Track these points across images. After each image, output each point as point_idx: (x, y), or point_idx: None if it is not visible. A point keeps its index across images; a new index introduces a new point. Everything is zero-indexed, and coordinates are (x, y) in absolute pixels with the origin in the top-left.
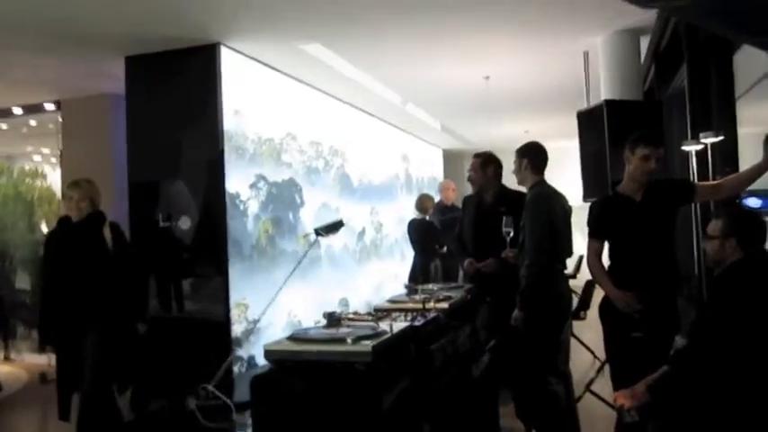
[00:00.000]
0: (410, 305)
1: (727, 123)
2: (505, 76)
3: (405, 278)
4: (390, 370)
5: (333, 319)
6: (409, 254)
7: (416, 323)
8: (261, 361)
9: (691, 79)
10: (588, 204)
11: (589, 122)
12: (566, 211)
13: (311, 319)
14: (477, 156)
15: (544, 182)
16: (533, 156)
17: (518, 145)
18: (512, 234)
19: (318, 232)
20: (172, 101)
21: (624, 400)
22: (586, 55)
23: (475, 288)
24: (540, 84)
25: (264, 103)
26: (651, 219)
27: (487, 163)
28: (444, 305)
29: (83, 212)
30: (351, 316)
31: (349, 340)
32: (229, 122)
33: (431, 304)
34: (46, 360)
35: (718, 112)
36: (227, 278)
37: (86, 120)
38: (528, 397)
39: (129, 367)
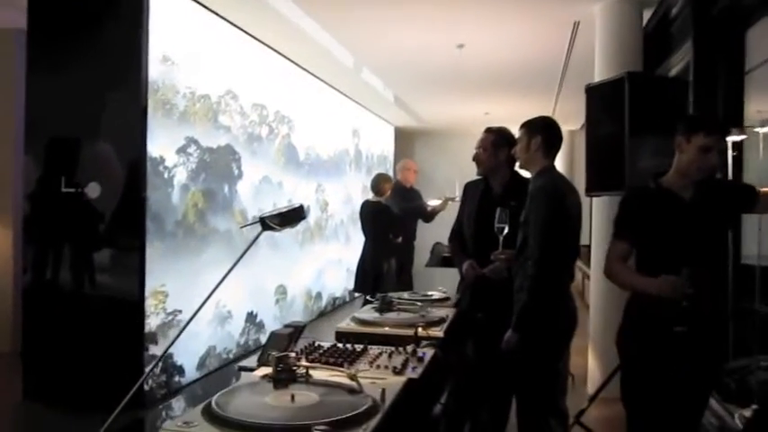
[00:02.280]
0: (388, 330)
1: (733, 112)
2: (481, 45)
3: (350, 264)
4: None
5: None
6: (355, 237)
7: (412, 372)
8: (180, 360)
9: (697, 59)
10: (590, 201)
11: (602, 100)
12: (580, 208)
13: (243, 309)
14: (489, 131)
15: (555, 169)
16: (550, 134)
17: (476, 127)
18: (506, 231)
19: (268, 224)
20: (84, 38)
21: None
22: (576, 25)
23: (466, 300)
24: (519, 57)
25: (201, 51)
26: (702, 224)
27: (501, 142)
28: (438, 332)
29: None
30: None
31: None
32: (156, 70)
33: (423, 331)
34: None
35: (725, 99)
36: (143, 261)
37: None
38: None
39: None
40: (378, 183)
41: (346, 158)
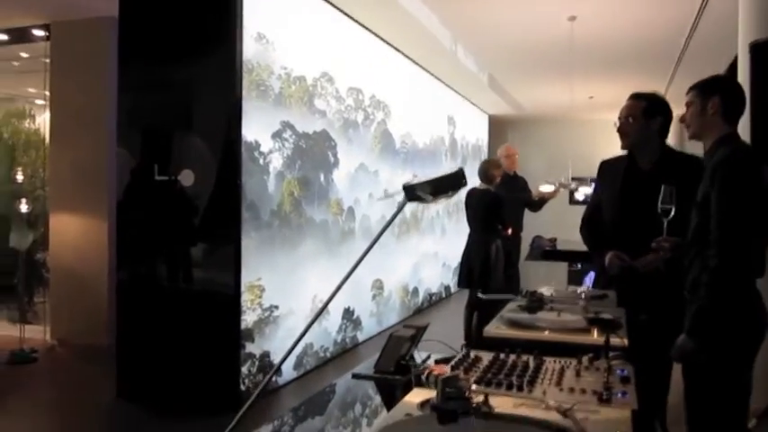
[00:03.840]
0: (558, 336)
1: None
2: (596, 16)
3: (446, 258)
4: None
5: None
6: (451, 229)
7: (623, 398)
8: (278, 359)
9: None
10: None
11: None
12: None
13: (340, 306)
14: (638, 97)
15: (739, 137)
16: (730, 95)
17: (577, 113)
18: (672, 214)
19: (416, 194)
20: (177, 22)
21: None
22: None
23: (619, 298)
24: (636, 29)
25: (296, 30)
26: None
27: (654, 110)
28: (621, 339)
29: None
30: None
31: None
32: (250, 50)
33: (618, 339)
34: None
35: None
36: (238, 251)
37: (79, 48)
38: None
39: None
40: (487, 169)
41: (442, 147)
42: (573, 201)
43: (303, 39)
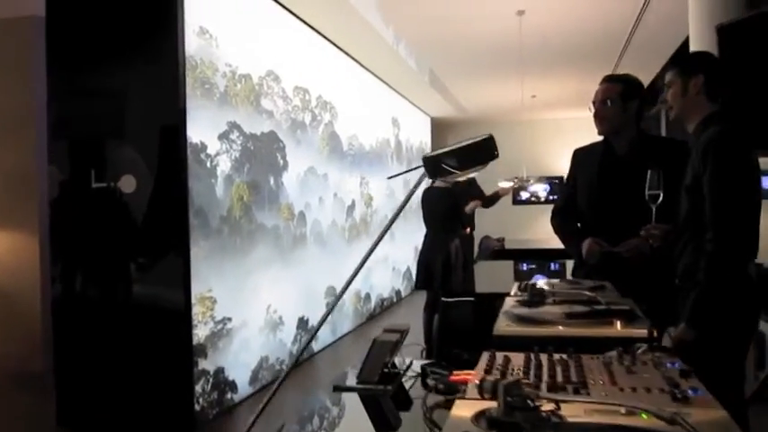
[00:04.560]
0: (585, 331)
1: None
2: (544, 11)
3: (396, 262)
4: None
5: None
6: (400, 233)
7: (694, 394)
8: (233, 374)
9: None
10: None
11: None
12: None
13: (294, 314)
14: (612, 79)
15: (726, 115)
16: (713, 71)
17: (520, 114)
18: (660, 199)
19: (441, 166)
20: (111, 16)
21: None
22: None
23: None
24: (581, 24)
25: (238, 26)
26: None
27: (632, 92)
28: (647, 330)
29: None
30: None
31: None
32: (192, 45)
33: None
34: None
35: None
36: (187, 261)
37: (2, 50)
38: None
39: None
40: None
41: (388, 150)
42: (516, 201)
43: (246, 35)
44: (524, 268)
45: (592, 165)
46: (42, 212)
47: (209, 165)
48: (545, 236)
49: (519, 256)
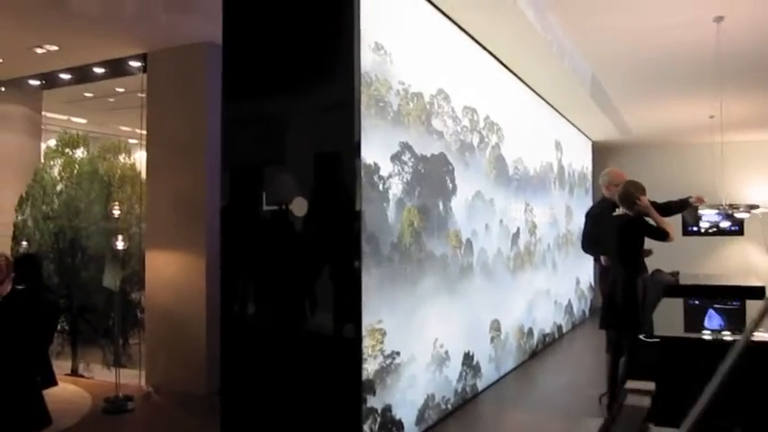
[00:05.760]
0: None
1: None
2: (748, 17)
3: (557, 296)
4: None
5: None
6: (562, 265)
7: None
8: (399, 413)
9: None
10: None
11: None
12: None
13: (459, 349)
14: None
15: None
16: None
17: (694, 136)
18: None
19: None
20: (287, 38)
21: None
22: None
23: None
24: None
25: (411, 42)
26: None
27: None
28: None
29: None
30: None
31: None
32: (367, 61)
33: None
34: (115, 378)
35: None
36: (359, 290)
37: (176, 77)
38: None
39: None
40: (632, 192)
41: (551, 174)
42: (686, 231)
43: (418, 51)
44: (695, 303)
45: None
46: (209, 236)
47: (381, 187)
48: (718, 270)
49: (692, 291)
